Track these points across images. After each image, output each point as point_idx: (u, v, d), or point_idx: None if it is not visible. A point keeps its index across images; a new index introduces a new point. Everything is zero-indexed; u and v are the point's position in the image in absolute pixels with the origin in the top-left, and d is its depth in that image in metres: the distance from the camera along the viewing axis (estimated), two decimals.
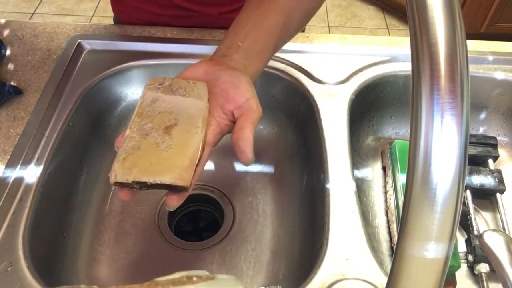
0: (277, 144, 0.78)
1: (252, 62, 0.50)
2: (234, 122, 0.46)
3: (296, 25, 0.57)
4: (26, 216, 0.55)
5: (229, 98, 0.46)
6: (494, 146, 0.71)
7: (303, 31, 0.75)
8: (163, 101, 0.46)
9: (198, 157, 0.43)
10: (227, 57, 0.50)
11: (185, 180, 0.41)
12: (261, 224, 0.69)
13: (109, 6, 0.88)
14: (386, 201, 0.70)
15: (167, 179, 0.40)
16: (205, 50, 0.75)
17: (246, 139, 0.43)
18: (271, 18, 0.53)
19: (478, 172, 0.67)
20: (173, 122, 0.45)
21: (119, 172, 0.41)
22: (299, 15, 0.57)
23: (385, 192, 0.71)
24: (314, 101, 0.69)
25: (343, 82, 0.71)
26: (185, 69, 0.50)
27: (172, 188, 0.41)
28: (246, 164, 0.44)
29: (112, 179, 0.41)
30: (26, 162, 0.60)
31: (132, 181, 0.40)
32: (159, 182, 0.40)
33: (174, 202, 0.42)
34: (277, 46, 0.54)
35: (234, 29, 0.53)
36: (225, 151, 0.76)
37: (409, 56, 0.25)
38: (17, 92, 0.68)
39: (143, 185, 0.41)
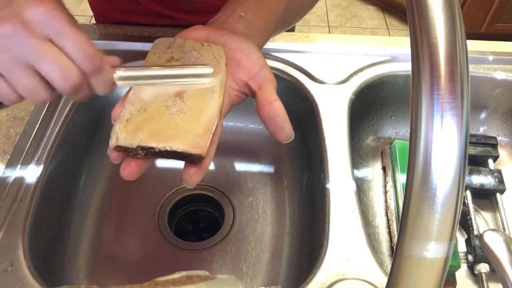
0: (277, 144, 0.78)
1: (254, 34, 0.47)
2: (244, 93, 0.43)
3: (296, 11, 0.56)
4: (26, 216, 0.55)
5: (241, 66, 0.42)
6: (494, 146, 0.71)
7: (303, 31, 0.75)
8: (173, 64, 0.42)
9: (215, 125, 0.38)
10: (228, 25, 0.46)
11: (201, 148, 0.36)
12: (261, 224, 0.69)
13: None
14: (386, 201, 0.70)
15: (179, 146, 0.35)
16: None
17: (281, 114, 0.39)
18: None
19: (478, 172, 0.67)
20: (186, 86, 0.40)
21: (122, 134, 0.35)
22: (299, 1, 0.56)
23: (385, 192, 0.71)
24: (314, 101, 0.69)
25: (343, 82, 0.71)
26: (179, 33, 0.45)
27: (184, 158, 0.36)
28: (287, 141, 0.40)
29: (113, 143, 0.35)
30: (26, 162, 0.60)
31: (137, 146, 0.35)
32: (169, 149, 0.35)
33: (194, 177, 0.37)
34: (276, 29, 0.52)
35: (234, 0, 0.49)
36: (225, 150, 0.77)
37: (409, 56, 0.25)
38: None
39: (149, 152, 0.36)
